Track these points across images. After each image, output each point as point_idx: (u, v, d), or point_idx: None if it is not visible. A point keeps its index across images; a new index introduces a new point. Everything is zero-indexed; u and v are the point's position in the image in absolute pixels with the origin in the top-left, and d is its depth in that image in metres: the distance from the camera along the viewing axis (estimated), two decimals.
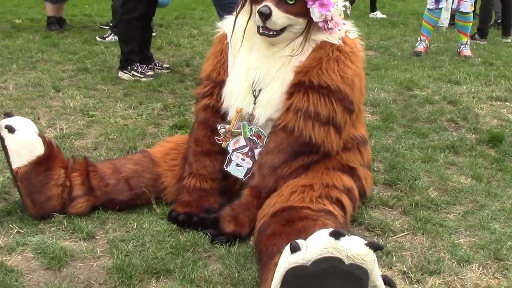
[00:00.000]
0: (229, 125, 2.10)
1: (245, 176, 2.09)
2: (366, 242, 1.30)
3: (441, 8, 5.59)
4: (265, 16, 1.90)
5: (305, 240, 1.33)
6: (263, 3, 1.91)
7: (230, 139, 2.11)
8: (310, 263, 1.28)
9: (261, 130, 2.06)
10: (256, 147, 2.08)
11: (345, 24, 2.02)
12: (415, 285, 1.76)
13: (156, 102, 3.58)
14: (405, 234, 2.07)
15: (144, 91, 3.83)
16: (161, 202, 2.18)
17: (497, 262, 1.90)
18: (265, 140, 2.05)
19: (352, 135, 2.12)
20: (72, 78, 4.17)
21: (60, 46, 5.34)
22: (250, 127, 2.07)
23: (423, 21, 5.70)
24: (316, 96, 1.94)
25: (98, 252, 1.88)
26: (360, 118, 2.20)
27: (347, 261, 1.27)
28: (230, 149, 2.11)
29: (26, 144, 1.97)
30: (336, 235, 1.28)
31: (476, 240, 2.03)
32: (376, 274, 1.31)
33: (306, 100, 1.94)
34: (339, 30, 1.98)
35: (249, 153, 2.09)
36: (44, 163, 2.01)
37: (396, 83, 4.26)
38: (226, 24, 2.17)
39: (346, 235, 1.29)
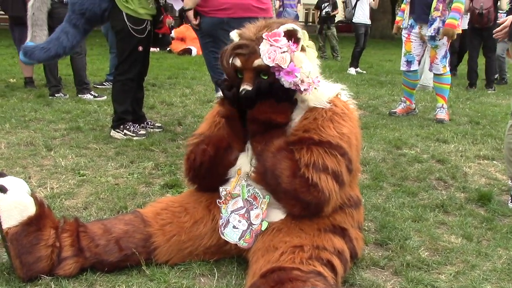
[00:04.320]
0: (229, 187, 2.14)
1: (239, 239, 2.10)
2: None
3: (415, 70, 5.54)
4: None
5: None
6: (242, 87, 1.98)
7: (230, 201, 2.14)
8: None
9: (257, 192, 2.09)
10: (252, 208, 2.10)
11: (319, 81, 2.03)
12: None
13: (147, 161, 3.60)
14: None
15: (136, 150, 3.86)
16: (151, 263, 2.15)
17: None
18: (260, 202, 2.08)
19: (349, 196, 2.14)
20: (64, 137, 4.20)
21: (53, 105, 5.41)
22: (247, 188, 2.10)
23: (402, 85, 5.81)
24: (321, 149, 1.97)
25: None
26: (355, 179, 2.22)
27: None
28: (229, 210, 2.13)
29: (17, 204, 1.97)
30: None
31: None
32: None
33: (311, 155, 1.97)
34: (315, 88, 2.00)
35: (245, 215, 2.11)
36: (35, 223, 2.00)
37: (385, 141, 4.33)
38: None
39: None
